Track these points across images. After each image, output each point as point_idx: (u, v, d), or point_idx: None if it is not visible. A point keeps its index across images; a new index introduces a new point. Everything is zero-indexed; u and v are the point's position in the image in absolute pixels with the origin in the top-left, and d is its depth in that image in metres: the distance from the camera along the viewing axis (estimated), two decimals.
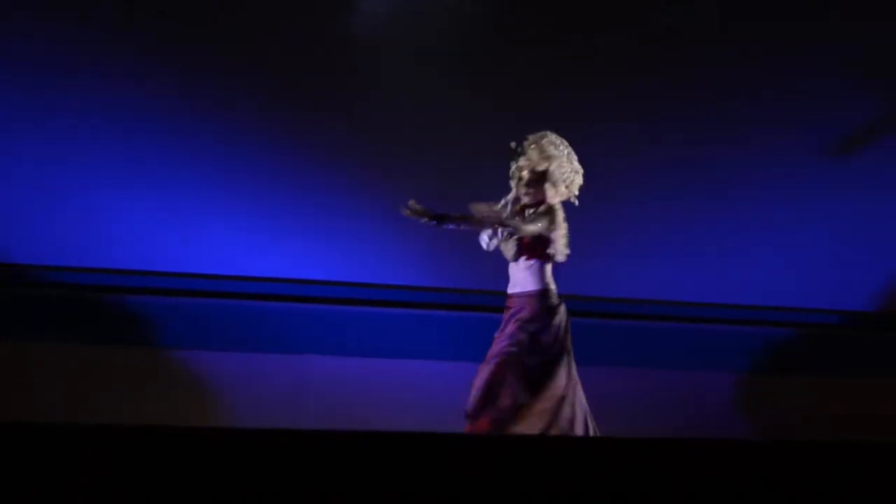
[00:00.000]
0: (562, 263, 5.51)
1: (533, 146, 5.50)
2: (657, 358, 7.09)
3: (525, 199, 5.50)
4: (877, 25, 7.28)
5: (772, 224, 7.30)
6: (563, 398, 5.24)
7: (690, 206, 7.19)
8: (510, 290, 5.44)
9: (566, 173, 5.50)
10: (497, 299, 5.50)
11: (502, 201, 5.46)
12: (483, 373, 5.26)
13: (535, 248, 5.43)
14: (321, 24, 6.78)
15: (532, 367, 5.25)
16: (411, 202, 5.39)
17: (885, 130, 7.38)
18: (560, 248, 5.45)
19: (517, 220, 5.39)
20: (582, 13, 7.07)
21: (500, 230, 5.44)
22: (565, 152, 5.52)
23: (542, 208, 5.50)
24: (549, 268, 5.43)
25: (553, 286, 5.42)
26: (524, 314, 5.34)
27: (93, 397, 6.27)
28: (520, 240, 5.43)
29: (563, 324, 5.37)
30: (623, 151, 7.05)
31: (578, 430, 5.24)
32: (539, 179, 5.48)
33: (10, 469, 3.50)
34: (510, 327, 5.33)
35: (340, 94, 6.79)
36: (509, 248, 5.46)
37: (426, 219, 5.40)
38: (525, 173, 5.48)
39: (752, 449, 4.14)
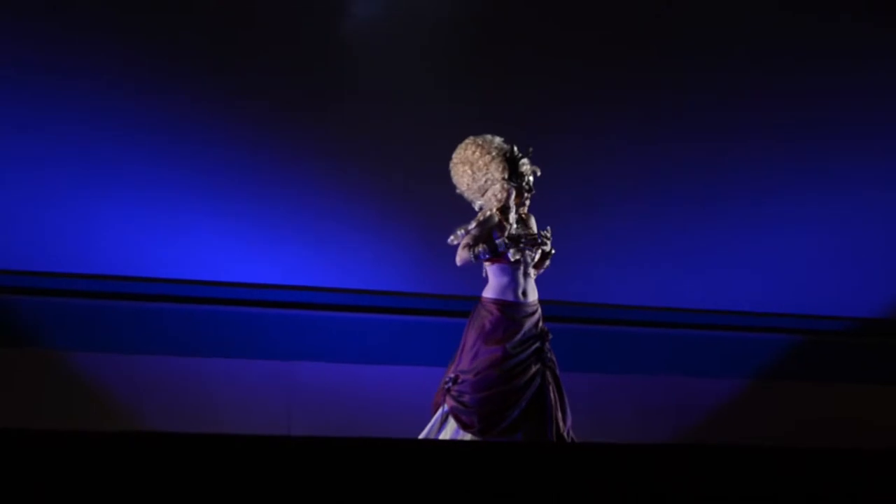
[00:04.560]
0: (547, 269, 5.53)
1: (519, 153, 5.50)
2: (652, 365, 7.08)
3: (524, 208, 5.49)
4: (875, 25, 7.27)
5: (770, 229, 7.29)
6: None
7: (686, 210, 7.18)
8: (522, 300, 5.40)
9: None
10: None
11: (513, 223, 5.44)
12: None
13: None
14: (316, 27, 6.77)
15: None
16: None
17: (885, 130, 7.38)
18: None
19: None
20: (579, 14, 7.05)
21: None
22: None
23: (529, 217, 5.58)
24: None
25: None
26: (539, 320, 5.46)
27: (82, 404, 6.27)
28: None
29: None
30: (620, 153, 7.04)
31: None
32: None
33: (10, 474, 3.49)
34: None
35: (334, 97, 6.78)
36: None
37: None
38: (530, 181, 5.47)
39: (749, 455, 4.12)
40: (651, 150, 7.09)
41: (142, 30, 6.52)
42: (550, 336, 5.40)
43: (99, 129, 6.45)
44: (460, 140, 5.53)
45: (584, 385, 6.24)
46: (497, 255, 5.34)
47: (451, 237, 5.42)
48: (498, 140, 5.47)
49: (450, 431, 5.31)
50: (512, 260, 5.33)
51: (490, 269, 5.40)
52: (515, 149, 5.46)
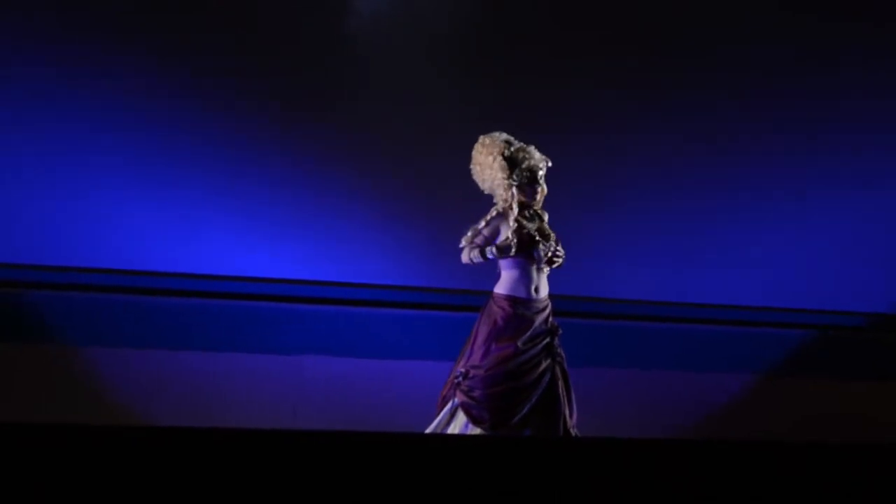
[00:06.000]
0: (562, 265, 5.52)
1: (522, 145, 5.50)
2: (657, 359, 7.08)
3: (535, 199, 5.48)
4: (875, 25, 7.30)
5: (777, 225, 7.30)
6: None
7: (691, 206, 7.19)
8: (535, 296, 5.39)
9: None
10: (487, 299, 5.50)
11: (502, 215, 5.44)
12: None
13: None
14: (319, 24, 6.79)
15: None
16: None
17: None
18: None
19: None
20: (579, 14, 7.07)
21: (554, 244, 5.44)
22: None
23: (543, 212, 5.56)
24: None
25: None
26: (549, 315, 5.45)
27: (87, 398, 6.26)
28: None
29: None
30: (621, 151, 7.06)
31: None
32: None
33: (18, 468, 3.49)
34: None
35: (337, 95, 6.79)
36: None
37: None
38: (535, 174, 5.44)
39: (756, 450, 4.12)
40: (653, 149, 7.11)
41: (158, 28, 6.54)
42: (560, 331, 5.42)
43: (103, 127, 6.46)
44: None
45: (593, 380, 6.26)
46: (486, 259, 5.37)
47: (463, 239, 5.45)
48: (500, 138, 5.48)
49: (458, 426, 5.33)
50: (511, 254, 5.33)
51: (502, 265, 5.41)
52: (513, 147, 5.45)
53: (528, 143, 5.53)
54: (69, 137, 6.44)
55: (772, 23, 7.23)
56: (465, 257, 5.40)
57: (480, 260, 5.35)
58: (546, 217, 5.54)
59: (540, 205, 5.52)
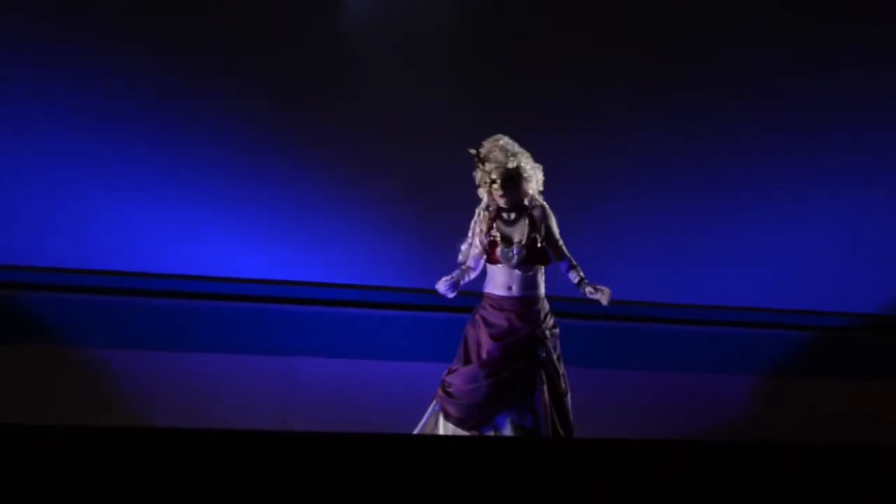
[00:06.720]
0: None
1: (496, 149, 5.41)
2: (657, 361, 7.07)
3: (502, 202, 5.43)
4: (875, 25, 7.28)
5: (779, 225, 7.29)
6: None
7: (691, 205, 7.18)
8: (508, 294, 5.40)
9: (533, 168, 5.45)
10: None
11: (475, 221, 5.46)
12: None
13: (542, 253, 5.46)
14: (319, 24, 6.79)
15: None
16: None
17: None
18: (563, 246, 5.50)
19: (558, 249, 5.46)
20: (579, 14, 7.06)
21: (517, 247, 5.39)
22: (524, 150, 5.48)
23: (537, 212, 5.46)
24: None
25: None
26: (534, 316, 5.38)
27: (77, 400, 6.27)
28: (530, 246, 5.40)
29: None
30: (623, 150, 7.05)
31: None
32: (514, 178, 5.38)
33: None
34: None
35: (337, 95, 6.80)
36: (515, 257, 5.42)
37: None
38: (495, 176, 5.35)
39: (757, 451, 4.12)
40: (653, 149, 7.10)
41: (155, 30, 6.56)
42: (551, 333, 5.40)
43: (103, 128, 6.49)
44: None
45: (592, 381, 6.26)
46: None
47: (460, 255, 5.53)
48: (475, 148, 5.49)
49: (442, 424, 5.37)
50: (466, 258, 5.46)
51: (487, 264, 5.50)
52: (480, 154, 5.44)
53: (529, 143, 5.52)
54: (69, 137, 6.45)
55: (772, 23, 7.20)
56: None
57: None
58: (536, 216, 5.46)
59: (536, 203, 5.49)
